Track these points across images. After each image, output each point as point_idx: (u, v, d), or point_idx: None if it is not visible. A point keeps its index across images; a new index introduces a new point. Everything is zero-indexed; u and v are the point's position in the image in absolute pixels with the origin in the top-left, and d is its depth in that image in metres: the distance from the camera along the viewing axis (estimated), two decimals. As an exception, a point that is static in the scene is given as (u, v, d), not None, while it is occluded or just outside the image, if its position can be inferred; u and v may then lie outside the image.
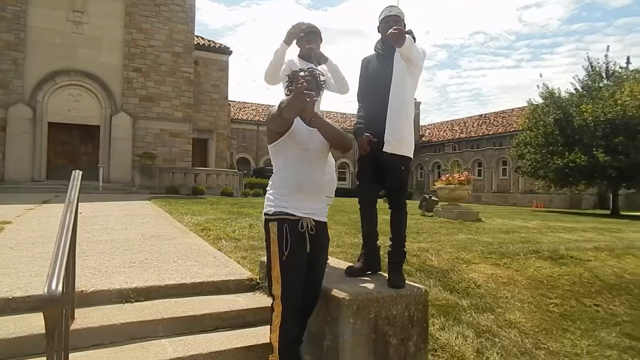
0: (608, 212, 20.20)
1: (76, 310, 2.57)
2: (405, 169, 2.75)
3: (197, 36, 20.61)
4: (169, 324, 2.60)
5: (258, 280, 3.30)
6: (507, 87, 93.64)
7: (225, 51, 21.92)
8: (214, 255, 4.22)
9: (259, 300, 3.07)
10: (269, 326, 2.89)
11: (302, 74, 2.18)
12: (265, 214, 2.28)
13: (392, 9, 2.83)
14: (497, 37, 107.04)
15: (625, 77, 18.93)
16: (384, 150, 2.64)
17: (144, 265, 3.61)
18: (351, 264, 2.94)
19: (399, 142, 2.66)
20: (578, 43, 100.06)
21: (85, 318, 2.52)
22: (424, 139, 50.61)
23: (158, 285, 3.02)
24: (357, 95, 2.94)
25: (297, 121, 2.21)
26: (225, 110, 22.70)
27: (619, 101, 16.45)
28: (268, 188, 2.33)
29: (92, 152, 17.05)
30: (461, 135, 45.98)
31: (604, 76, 19.75)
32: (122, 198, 11.51)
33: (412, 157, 2.79)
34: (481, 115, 48.14)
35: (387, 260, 2.76)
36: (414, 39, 2.68)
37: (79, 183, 2.50)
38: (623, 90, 16.82)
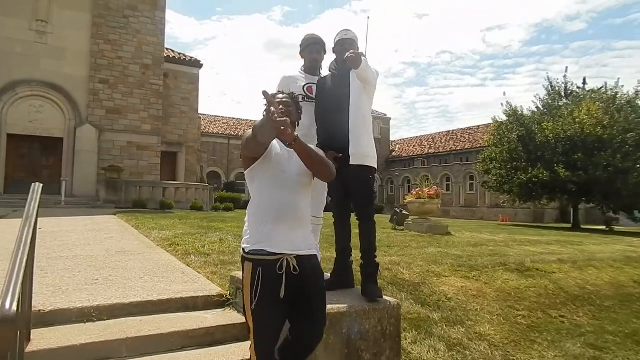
0: (569, 225, 20.99)
1: (33, 331, 2.42)
2: (371, 179, 2.85)
3: (167, 49, 20.36)
4: (133, 343, 2.48)
5: (228, 296, 3.21)
6: (473, 105, 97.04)
7: (196, 64, 21.74)
8: (183, 271, 4.09)
9: (229, 317, 2.98)
10: (239, 344, 2.82)
11: (280, 96, 2.09)
12: (242, 250, 1.98)
13: (347, 33, 2.95)
14: (463, 56, 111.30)
15: (582, 96, 19.95)
16: (350, 163, 2.73)
17: (107, 282, 3.45)
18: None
19: (364, 154, 2.79)
20: (538, 64, 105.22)
21: (42, 339, 2.37)
22: (394, 153, 51.47)
23: (122, 303, 2.89)
24: (316, 115, 2.98)
25: (275, 141, 1.97)
26: (195, 123, 22.40)
27: (577, 119, 17.29)
28: (246, 219, 2.04)
29: (54, 165, 16.40)
30: (430, 151, 47.02)
31: (563, 95, 20.75)
32: (85, 213, 11.08)
33: (376, 167, 2.92)
34: (449, 132, 49.46)
35: (360, 273, 2.75)
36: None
37: (38, 196, 2.37)
38: (581, 109, 17.69)
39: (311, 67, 3.12)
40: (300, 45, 3.15)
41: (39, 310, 2.62)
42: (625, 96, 18.88)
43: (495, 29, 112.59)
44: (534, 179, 18.06)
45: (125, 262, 4.40)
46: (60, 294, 3.04)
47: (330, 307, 2.34)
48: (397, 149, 53.06)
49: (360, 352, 2.30)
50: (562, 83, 21.01)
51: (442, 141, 48.25)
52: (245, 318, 1.99)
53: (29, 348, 2.24)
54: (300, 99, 2.92)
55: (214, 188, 21.81)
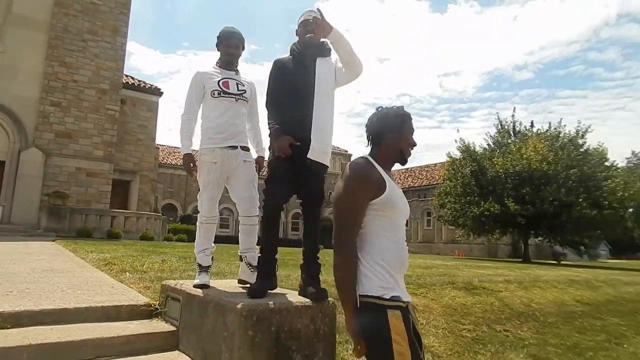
0: (520, 260, 21.67)
1: None
2: (325, 177, 2.69)
3: (126, 75, 20.04)
4: (37, 351, 2.20)
5: (157, 306, 2.97)
6: (431, 146, 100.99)
7: (156, 92, 21.42)
8: (112, 285, 3.79)
9: (154, 326, 2.74)
10: (163, 354, 2.58)
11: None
12: (370, 298, 1.53)
13: (311, 13, 2.68)
14: (421, 99, 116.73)
15: (529, 135, 21.17)
16: (308, 156, 2.48)
17: (21, 294, 3.12)
18: (249, 285, 2.64)
19: (324, 151, 2.56)
20: (490, 109, 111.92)
21: None
22: (354, 189, 52.01)
23: (32, 310, 2.59)
24: (271, 98, 2.71)
25: (391, 182, 1.68)
26: (152, 152, 21.80)
27: (524, 155, 18.25)
28: (360, 260, 1.59)
29: (-8, 190, 15.34)
30: (389, 187, 47.91)
31: (512, 134, 21.93)
32: (21, 240, 10.29)
33: (329, 167, 2.74)
34: (407, 169, 50.83)
35: (300, 273, 2.61)
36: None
37: None
38: (527, 146, 18.73)
39: (227, 62, 2.97)
40: (218, 38, 2.99)
41: None
42: (568, 135, 20.20)
43: (452, 74, 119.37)
44: (486, 212, 18.68)
45: (49, 278, 4.04)
46: (-39, 303, 2.70)
47: (257, 303, 2.19)
48: (357, 185, 53.75)
49: (291, 352, 2.13)
50: (511, 122, 22.26)
51: (401, 178, 49.45)
52: None
53: None
54: (216, 95, 2.84)
55: (167, 219, 21.05)
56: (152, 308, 2.95)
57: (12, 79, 15.71)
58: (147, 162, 21.33)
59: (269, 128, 2.63)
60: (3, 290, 3.27)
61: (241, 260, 2.95)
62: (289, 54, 2.81)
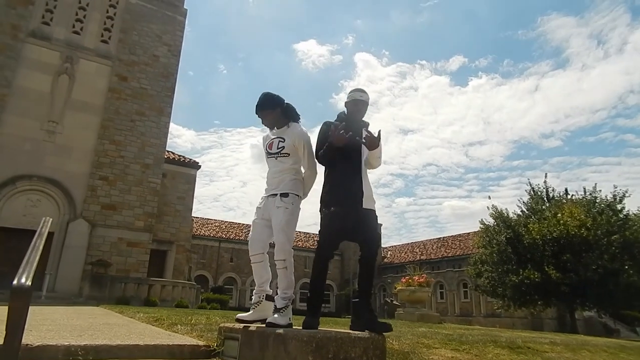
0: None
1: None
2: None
3: (167, 150, 21.49)
4: (117, 377, 2.45)
5: (215, 347, 3.18)
6: (462, 215, 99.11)
7: (194, 165, 22.74)
8: (169, 334, 4.03)
9: (215, 364, 2.95)
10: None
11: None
12: None
13: (362, 95, 3.15)
14: (448, 169, 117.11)
15: (564, 200, 20.78)
16: (364, 207, 2.89)
17: (93, 336, 3.42)
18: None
19: (372, 200, 3.00)
20: (520, 177, 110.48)
21: (27, 368, 2.36)
22: (385, 260, 51.07)
23: (109, 344, 2.88)
24: (320, 155, 3.04)
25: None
26: (188, 222, 22.64)
27: (561, 221, 17.81)
28: None
29: (40, 260, 16.05)
30: (421, 257, 46.83)
31: (546, 200, 21.59)
32: (67, 306, 10.70)
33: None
34: (439, 239, 49.88)
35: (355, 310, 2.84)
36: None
37: (49, 225, 2.56)
38: (564, 211, 18.34)
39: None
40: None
41: (27, 345, 2.61)
42: (605, 201, 19.74)
43: (476, 144, 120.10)
44: (525, 281, 17.95)
45: (110, 328, 4.33)
46: (47, 340, 3.02)
47: (315, 332, 2.41)
48: (388, 256, 52.82)
49: (346, 380, 2.30)
50: (544, 188, 22.01)
51: (434, 247, 48.41)
52: None
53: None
54: (266, 157, 3.26)
55: (200, 288, 21.22)
56: (210, 349, 3.17)
57: (67, 156, 17.19)
58: (184, 232, 22.08)
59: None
60: (77, 334, 3.58)
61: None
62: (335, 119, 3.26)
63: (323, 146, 3.00)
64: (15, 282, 1.53)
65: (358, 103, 3.12)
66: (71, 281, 15.82)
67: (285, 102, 3.27)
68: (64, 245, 16.26)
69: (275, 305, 2.93)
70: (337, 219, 2.85)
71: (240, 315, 3.08)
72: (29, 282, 1.55)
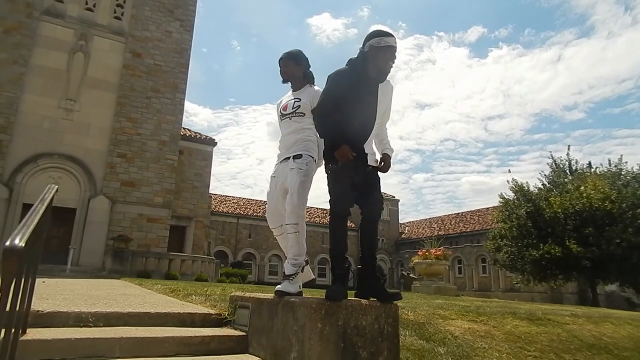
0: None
1: (29, 330, 2.42)
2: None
3: (184, 128, 21.54)
4: (127, 343, 2.44)
5: (226, 316, 3.16)
6: (480, 190, 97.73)
7: (210, 142, 22.79)
8: (182, 303, 4.04)
9: (226, 332, 2.92)
10: (235, 356, 2.74)
11: None
12: None
13: (396, 42, 2.69)
14: (466, 144, 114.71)
15: (587, 174, 20.16)
16: (369, 163, 2.70)
17: (106, 304, 3.43)
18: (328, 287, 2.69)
19: (375, 160, 2.82)
20: (541, 151, 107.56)
21: (37, 333, 2.36)
22: (403, 235, 51.03)
23: (119, 312, 2.88)
24: (336, 99, 2.65)
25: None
26: (206, 199, 22.86)
27: (584, 194, 17.30)
28: None
29: (63, 235, 16.53)
30: (439, 233, 46.56)
31: (568, 172, 20.99)
32: (90, 279, 10.99)
33: None
34: (458, 214, 49.44)
35: (361, 276, 2.71)
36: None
37: (53, 191, 2.52)
38: (587, 184, 17.80)
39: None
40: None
41: (37, 311, 2.62)
42: (631, 172, 19.08)
43: (496, 118, 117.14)
44: (546, 255, 17.63)
45: (126, 297, 4.37)
46: (59, 307, 3.03)
47: (325, 299, 2.33)
48: (406, 231, 52.73)
49: (357, 348, 2.22)
50: (566, 161, 21.38)
51: (452, 223, 48.06)
52: None
53: (23, 338, 2.23)
54: (279, 120, 3.12)
55: (220, 263, 21.58)
56: (222, 317, 3.15)
57: (85, 134, 17.40)
58: (202, 208, 22.35)
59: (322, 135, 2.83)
60: (89, 302, 3.61)
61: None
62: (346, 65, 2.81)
63: (325, 106, 2.71)
64: (7, 243, 1.47)
65: (387, 51, 2.62)
66: (94, 255, 16.26)
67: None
68: (86, 221, 16.66)
69: (284, 272, 2.84)
70: (348, 171, 2.62)
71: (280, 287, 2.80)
72: (22, 244, 1.49)
